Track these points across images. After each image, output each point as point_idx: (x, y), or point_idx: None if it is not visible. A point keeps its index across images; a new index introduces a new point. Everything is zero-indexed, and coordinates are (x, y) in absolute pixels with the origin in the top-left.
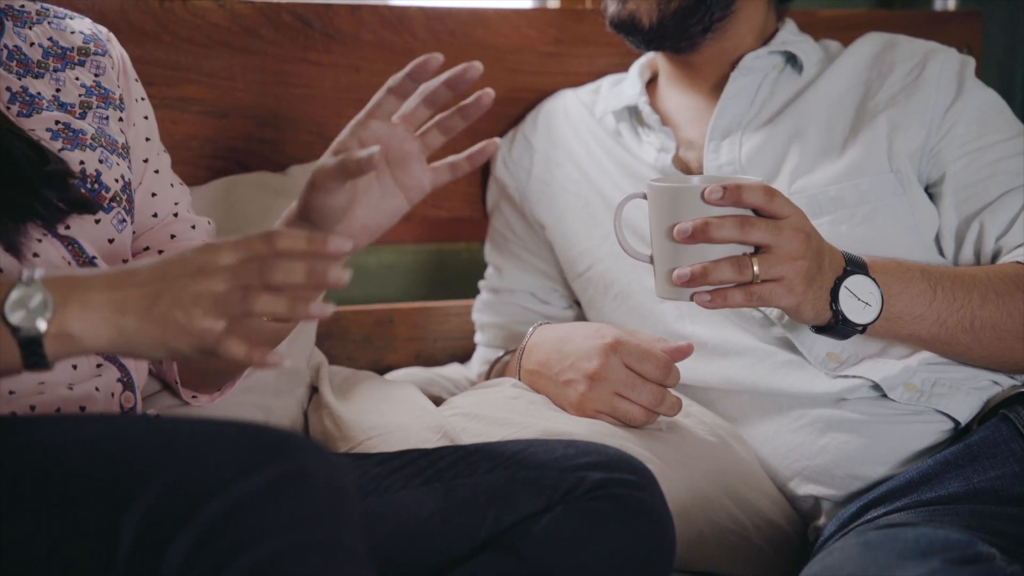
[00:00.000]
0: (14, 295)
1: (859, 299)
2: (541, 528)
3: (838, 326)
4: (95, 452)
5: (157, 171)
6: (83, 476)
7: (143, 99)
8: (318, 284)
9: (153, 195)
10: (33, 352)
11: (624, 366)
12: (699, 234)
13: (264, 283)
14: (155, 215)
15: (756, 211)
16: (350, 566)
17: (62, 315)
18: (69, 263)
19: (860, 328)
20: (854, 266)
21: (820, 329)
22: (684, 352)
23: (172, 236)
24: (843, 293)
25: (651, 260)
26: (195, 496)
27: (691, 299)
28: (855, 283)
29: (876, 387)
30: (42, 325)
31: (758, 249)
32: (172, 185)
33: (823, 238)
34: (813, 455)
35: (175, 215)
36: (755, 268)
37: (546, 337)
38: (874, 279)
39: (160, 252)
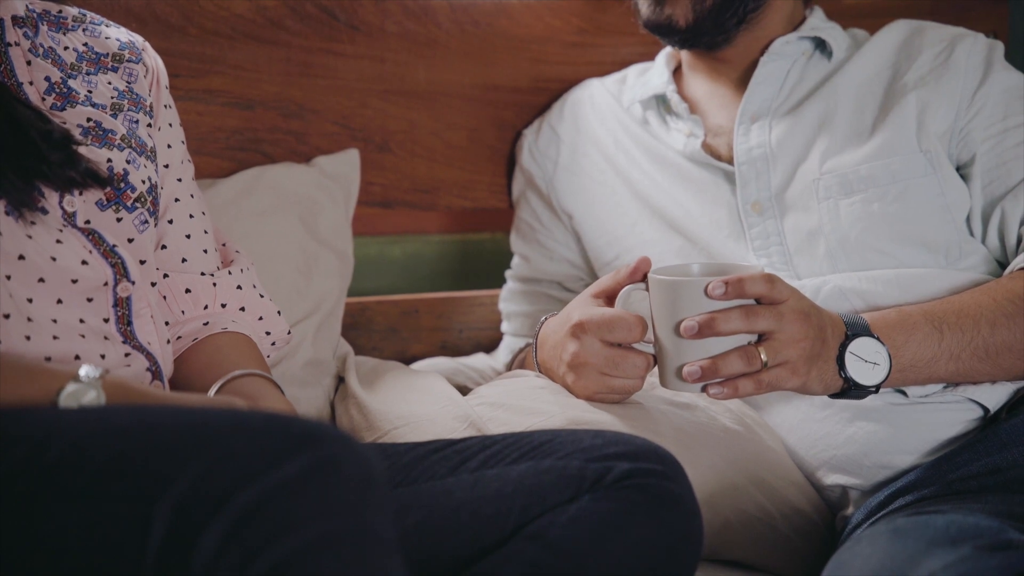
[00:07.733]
0: (69, 388)
1: (866, 361)
2: (569, 518)
3: (852, 391)
4: (125, 443)
5: (180, 179)
6: (114, 467)
7: (169, 107)
8: None
9: (176, 200)
10: None
11: (600, 342)
12: (706, 330)
13: None
14: (171, 221)
15: (758, 299)
16: (380, 556)
17: None
18: (90, 252)
19: (873, 388)
20: (855, 328)
21: (836, 395)
22: (644, 263)
23: (163, 247)
24: (849, 358)
25: (653, 350)
26: (226, 486)
27: (702, 391)
28: (859, 346)
29: None
30: None
31: (760, 336)
32: (192, 196)
33: (822, 310)
34: (840, 445)
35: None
36: (763, 356)
37: (546, 331)
38: (877, 337)
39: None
